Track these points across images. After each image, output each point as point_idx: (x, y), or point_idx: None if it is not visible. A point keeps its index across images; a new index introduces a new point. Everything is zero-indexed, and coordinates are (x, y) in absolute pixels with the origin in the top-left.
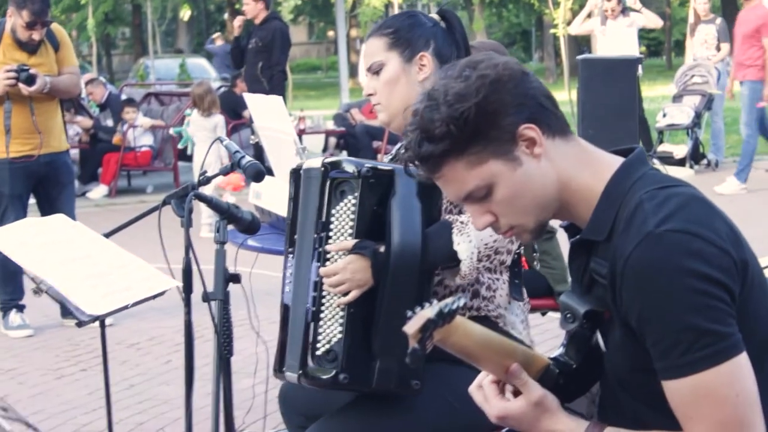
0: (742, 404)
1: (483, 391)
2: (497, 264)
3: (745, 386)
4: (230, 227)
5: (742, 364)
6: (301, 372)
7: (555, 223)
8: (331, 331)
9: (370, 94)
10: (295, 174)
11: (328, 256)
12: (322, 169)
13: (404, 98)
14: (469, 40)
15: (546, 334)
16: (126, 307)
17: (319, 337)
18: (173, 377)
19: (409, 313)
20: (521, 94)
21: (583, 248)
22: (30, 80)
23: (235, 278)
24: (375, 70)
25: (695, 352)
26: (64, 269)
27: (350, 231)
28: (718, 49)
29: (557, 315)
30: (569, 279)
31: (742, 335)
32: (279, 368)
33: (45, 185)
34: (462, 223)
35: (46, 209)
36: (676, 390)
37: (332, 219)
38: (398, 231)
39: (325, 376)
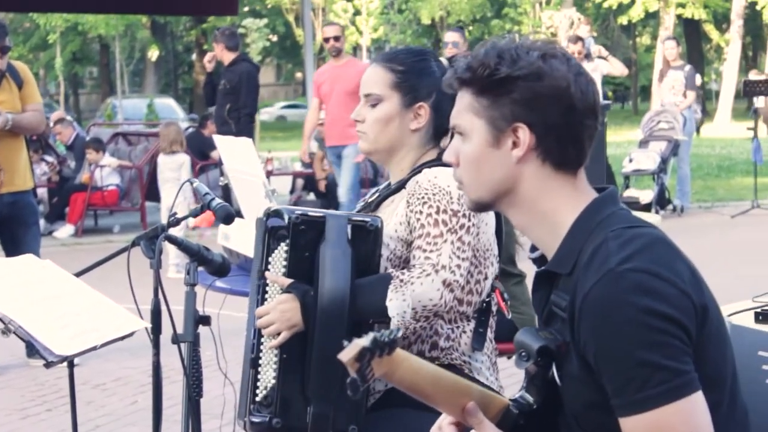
0: None
1: (443, 431)
2: (455, 315)
3: (700, 424)
4: (200, 268)
5: (697, 402)
6: (246, 419)
7: (525, 268)
8: (267, 377)
9: (358, 120)
10: (258, 220)
11: (267, 297)
12: (264, 217)
13: (391, 139)
14: None
15: (512, 378)
16: (95, 348)
17: (258, 383)
18: (139, 418)
19: (345, 342)
20: (546, 106)
21: (546, 280)
22: None
23: (205, 320)
24: (371, 103)
25: (650, 389)
26: (33, 309)
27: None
28: (685, 95)
29: None
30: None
31: (699, 379)
32: (238, 416)
33: (9, 225)
34: (401, 281)
35: (10, 249)
36: (632, 427)
37: (269, 267)
38: (326, 276)
39: (259, 421)
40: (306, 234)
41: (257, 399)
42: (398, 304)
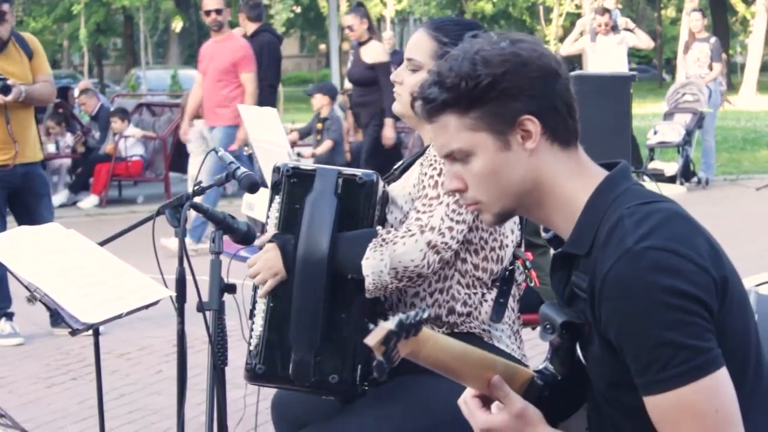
0: (722, 420)
1: (468, 404)
2: (472, 280)
3: (724, 401)
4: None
5: (721, 379)
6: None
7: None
8: (257, 326)
9: (397, 82)
10: None
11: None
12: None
13: None
14: None
15: (537, 349)
16: (120, 316)
17: (252, 333)
18: (164, 387)
19: (371, 326)
20: (540, 87)
21: (564, 261)
22: (6, 90)
23: (231, 288)
24: (412, 68)
25: (674, 368)
26: (59, 278)
27: (275, 228)
28: (711, 67)
29: None
30: None
31: (722, 353)
32: None
33: (21, 196)
34: (384, 240)
35: (24, 221)
36: (657, 405)
37: (268, 220)
38: (306, 226)
39: (248, 369)
40: (297, 186)
41: (250, 349)
42: (374, 263)
